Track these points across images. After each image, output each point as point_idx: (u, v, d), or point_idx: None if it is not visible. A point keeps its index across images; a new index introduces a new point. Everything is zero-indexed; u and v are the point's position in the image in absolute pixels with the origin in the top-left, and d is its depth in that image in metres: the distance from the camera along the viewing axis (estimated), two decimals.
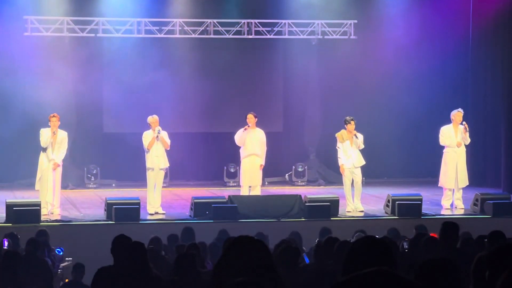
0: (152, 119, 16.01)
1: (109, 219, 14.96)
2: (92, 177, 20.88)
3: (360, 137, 16.31)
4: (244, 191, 16.87)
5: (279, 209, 15.55)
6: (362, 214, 16.08)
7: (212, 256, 10.24)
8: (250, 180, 16.84)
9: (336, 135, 16.45)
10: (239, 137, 16.84)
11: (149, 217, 15.57)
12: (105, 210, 15.27)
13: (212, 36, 21.17)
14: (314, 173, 21.92)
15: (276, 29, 21.51)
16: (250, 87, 22.00)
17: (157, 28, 20.99)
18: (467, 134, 16.48)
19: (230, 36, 21.22)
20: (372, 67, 21.64)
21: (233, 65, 21.63)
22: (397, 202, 15.67)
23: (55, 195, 15.71)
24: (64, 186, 17.95)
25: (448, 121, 16.67)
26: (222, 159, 21.19)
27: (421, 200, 15.89)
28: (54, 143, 15.65)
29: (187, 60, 21.34)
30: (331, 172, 21.33)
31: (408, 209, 15.54)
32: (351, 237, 11.12)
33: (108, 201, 15.25)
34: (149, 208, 15.91)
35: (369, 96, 21.71)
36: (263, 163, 16.94)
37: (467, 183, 16.80)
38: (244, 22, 21.28)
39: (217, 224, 14.23)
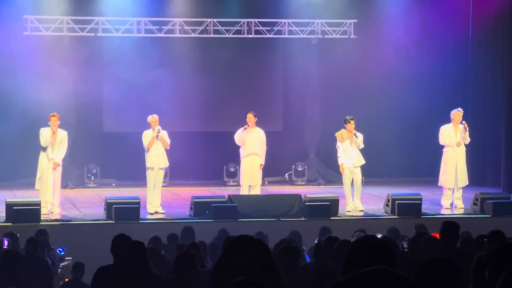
0: (152, 118, 16.01)
1: (109, 219, 14.96)
2: (92, 176, 20.88)
3: (360, 136, 16.31)
4: (244, 191, 16.88)
5: (279, 208, 15.55)
6: (362, 213, 16.08)
7: (212, 255, 10.24)
8: (250, 179, 16.84)
9: (336, 134, 16.45)
10: (239, 136, 16.84)
11: (149, 216, 15.57)
12: (105, 209, 15.27)
13: (212, 35, 21.17)
14: (314, 172, 21.92)
15: (276, 28, 21.51)
16: (250, 87, 21.99)
17: (157, 27, 20.98)
18: (467, 133, 16.48)
19: (230, 35, 21.22)
20: (372, 66, 21.64)
21: (233, 65, 21.63)
22: (397, 201, 15.67)
23: (55, 194, 15.71)
24: (64, 186, 17.96)
25: (448, 120, 16.67)
26: (222, 159, 21.18)
27: (421, 199, 15.89)
28: (54, 143, 15.65)
29: (187, 60, 21.34)
30: (331, 172, 21.33)
31: (408, 209, 15.55)
32: (351, 236, 11.12)
33: (108, 201, 15.26)
34: (149, 207, 15.91)
35: (369, 95, 21.71)
36: (263, 163, 16.94)
37: (467, 183, 16.80)
38: (244, 22, 21.28)
39: (217, 223, 14.23)
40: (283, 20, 21.40)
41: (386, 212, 15.96)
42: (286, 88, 22.40)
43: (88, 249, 12.72)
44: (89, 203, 17.56)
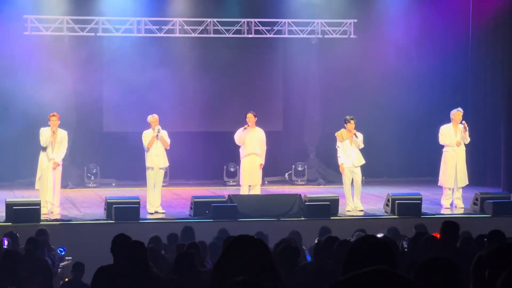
0: (152, 118, 16.01)
1: (109, 218, 14.96)
2: (92, 176, 20.88)
3: (360, 136, 16.31)
4: (244, 191, 16.88)
5: (279, 208, 15.55)
6: (362, 213, 16.08)
7: (212, 255, 10.24)
8: (250, 179, 16.84)
9: (336, 134, 16.45)
10: (239, 136, 16.84)
11: (149, 216, 15.57)
12: (105, 209, 15.27)
13: (212, 35, 21.17)
14: (314, 172, 21.92)
15: (276, 28, 21.51)
16: (250, 86, 22.00)
17: (157, 27, 20.99)
18: (467, 133, 16.48)
19: (230, 35, 21.23)
20: (372, 66, 21.64)
21: (233, 64, 21.63)
22: (396, 201, 15.67)
23: (55, 194, 15.71)
24: (64, 185, 17.95)
25: (448, 120, 16.68)
26: (222, 158, 21.19)
27: (420, 199, 15.89)
28: (54, 143, 15.65)
29: (187, 60, 21.34)
30: (331, 172, 21.33)
31: (408, 209, 15.55)
32: (351, 236, 11.12)
33: (108, 200, 15.26)
34: (149, 207, 15.91)
35: (369, 95, 21.71)
36: (263, 163, 16.94)
37: (467, 182, 16.80)
38: (244, 21, 21.28)
39: (217, 223, 14.23)
40: (283, 20, 21.40)
41: (386, 212, 15.96)
42: (286, 88, 22.40)
43: (88, 249, 12.71)
44: (89, 203, 17.56)
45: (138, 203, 15.14)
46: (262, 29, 21.45)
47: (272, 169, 20.24)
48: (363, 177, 16.97)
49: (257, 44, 21.85)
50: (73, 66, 20.57)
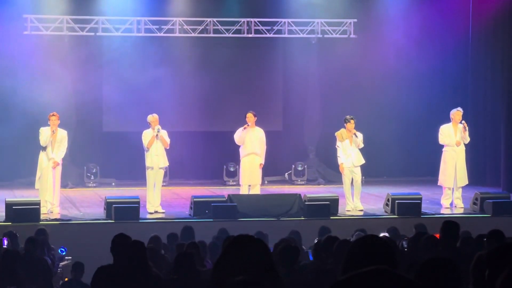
0: (152, 118, 16.01)
1: (108, 218, 14.96)
2: (92, 176, 20.88)
3: (360, 136, 16.31)
4: (243, 190, 16.87)
5: (278, 208, 15.54)
6: (361, 213, 16.07)
7: (211, 255, 10.24)
8: (250, 179, 16.84)
9: (336, 134, 16.45)
10: (239, 136, 16.84)
11: (148, 216, 15.57)
12: (104, 209, 15.27)
13: (211, 35, 21.17)
14: (313, 172, 21.92)
15: (275, 28, 21.51)
16: (249, 86, 21.99)
17: (157, 27, 20.98)
18: (466, 133, 16.48)
19: (230, 35, 21.22)
20: (372, 66, 21.64)
21: (232, 64, 21.62)
22: (396, 201, 15.67)
23: (54, 194, 15.70)
24: (63, 185, 17.95)
25: (447, 120, 16.68)
26: (222, 158, 21.18)
27: (420, 199, 15.89)
28: (54, 142, 15.64)
29: (186, 59, 21.34)
30: (330, 171, 21.33)
31: (408, 208, 15.54)
32: (351, 236, 11.12)
33: (107, 200, 15.25)
34: (148, 207, 15.91)
35: (368, 95, 21.71)
36: (263, 162, 16.94)
37: (467, 182, 16.80)
38: (243, 21, 21.28)
39: (216, 223, 14.23)
40: (283, 20, 21.40)
41: (386, 212, 15.95)
42: (286, 87, 22.39)
43: (87, 249, 12.72)
44: (88, 203, 17.56)
45: (138, 202, 15.14)
46: (262, 29, 21.44)
47: (272, 168, 20.24)
48: (363, 177, 16.96)
49: (257, 43, 21.85)
50: (73, 65, 20.57)
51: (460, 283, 4.84)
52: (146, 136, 15.98)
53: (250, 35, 21.40)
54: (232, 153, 19.16)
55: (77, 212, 16.00)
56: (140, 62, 20.71)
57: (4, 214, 14.73)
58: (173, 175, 20.68)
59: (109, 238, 7.66)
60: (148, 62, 20.69)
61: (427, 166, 20.88)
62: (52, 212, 15.48)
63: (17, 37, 20.05)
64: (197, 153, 21.30)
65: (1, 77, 19.88)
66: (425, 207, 15.95)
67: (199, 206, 15.36)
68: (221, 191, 18.32)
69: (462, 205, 16.53)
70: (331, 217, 15.24)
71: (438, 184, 16.97)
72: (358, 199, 16.34)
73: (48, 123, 15.66)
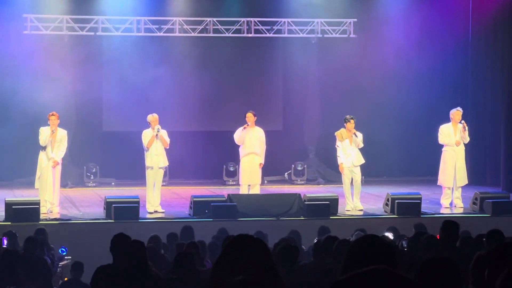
0: (152, 117, 16.00)
1: (108, 218, 14.96)
2: (92, 175, 20.88)
3: (360, 135, 16.31)
4: (243, 190, 16.87)
5: (278, 207, 15.54)
6: (361, 213, 16.07)
7: (211, 254, 10.24)
8: (250, 178, 16.84)
9: (336, 133, 16.44)
10: (239, 135, 16.83)
11: (148, 215, 15.57)
12: (104, 208, 15.26)
13: (211, 34, 21.17)
14: (313, 172, 21.92)
15: (275, 27, 21.51)
16: (249, 86, 21.99)
17: (157, 26, 20.98)
18: (466, 133, 16.48)
19: (230, 34, 21.22)
20: (372, 66, 21.64)
21: (232, 64, 21.62)
22: (396, 201, 15.67)
23: (54, 193, 15.70)
24: (63, 185, 17.95)
25: (447, 120, 16.68)
26: (222, 158, 21.19)
27: (420, 199, 15.88)
28: (54, 142, 15.64)
29: (186, 59, 21.33)
30: (330, 171, 21.33)
31: (408, 208, 15.54)
32: (351, 236, 11.12)
33: (107, 200, 15.25)
34: (148, 206, 15.91)
35: (368, 95, 21.71)
36: (263, 162, 16.93)
37: (466, 182, 16.80)
38: (243, 21, 21.27)
39: (216, 222, 14.23)
40: (283, 19, 21.40)
41: (386, 212, 15.95)
42: (286, 87, 22.39)
43: (87, 249, 12.72)
44: (88, 202, 17.56)
45: (138, 202, 15.14)
46: (261, 29, 21.44)
47: (271, 168, 20.24)
48: (363, 177, 16.96)
49: (257, 43, 21.85)
50: (73, 65, 20.56)
51: (460, 283, 4.84)
52: (146, 135, 15.98)
53: (250, 35, 21.40)
54: (232, 153, 19.17)
55: (76, 212, 16.00)
56: (140, 62, 20.70)
57: (3, 213, 14.72)
58: (173, 175, 20.67)
59: (109, 237, 7.65)
60: (148, 61, 20.68)
61: (427, 166, 20.88)
62: (51, 212, 15.48)
63: (17, 37, 20.04)
64: (197, 152, 21.30)
65: (1, 77, 19.89)
66: (424, 207, 15.95)
67: (199, 206, 15.36)
68: (221, 191, 18.32)
69: (462, 205, 16.53)
70: (331, 217, 15.23)
71: (438, 184, 16.97)
72: (358, 199, 16.34)
73: (48, 122, 15.66)
